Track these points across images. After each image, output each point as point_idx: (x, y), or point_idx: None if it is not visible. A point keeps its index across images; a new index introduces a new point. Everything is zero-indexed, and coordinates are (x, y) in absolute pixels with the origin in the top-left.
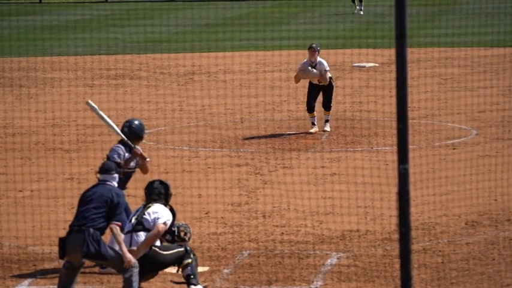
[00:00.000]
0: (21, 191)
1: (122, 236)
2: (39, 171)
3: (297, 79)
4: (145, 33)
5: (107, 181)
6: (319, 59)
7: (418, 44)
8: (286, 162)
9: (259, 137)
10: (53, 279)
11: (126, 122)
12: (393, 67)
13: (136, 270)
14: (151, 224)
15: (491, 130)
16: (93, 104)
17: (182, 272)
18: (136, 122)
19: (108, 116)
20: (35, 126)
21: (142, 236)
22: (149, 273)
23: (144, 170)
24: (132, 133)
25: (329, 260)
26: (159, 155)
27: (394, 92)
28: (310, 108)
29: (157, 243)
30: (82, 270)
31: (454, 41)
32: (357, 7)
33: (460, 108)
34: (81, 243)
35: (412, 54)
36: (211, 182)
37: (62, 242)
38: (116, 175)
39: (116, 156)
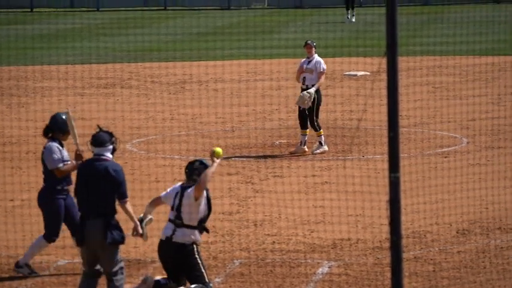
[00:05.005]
0: (12, 200)
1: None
2: (30, 180)
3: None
4: (136, 42)
5: (102, 155)
6: (316, 57)
7: (408, 53)
8: (277, 170)
9: (250, 146)
10: None
11: (54, 114)
12: (384, 76)
13: (124, 276)
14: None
15: (482, 138)
16: (70, 116)
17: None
18: (61, 116)
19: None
20: (26, 136)
21: (189, 231)
22: (175, 265)
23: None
24: (56, 126)
25: (320, 269)
26: (150, 164)
27: (385, 100)
28: (301, 124)
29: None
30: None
31: (444, 50)
32: (349, 16)
33: (451, 116)
34: (101, 230)
35: (403, 62)
36: None
37: (80, 229)
38: (111, 146)
39: (55, 158)
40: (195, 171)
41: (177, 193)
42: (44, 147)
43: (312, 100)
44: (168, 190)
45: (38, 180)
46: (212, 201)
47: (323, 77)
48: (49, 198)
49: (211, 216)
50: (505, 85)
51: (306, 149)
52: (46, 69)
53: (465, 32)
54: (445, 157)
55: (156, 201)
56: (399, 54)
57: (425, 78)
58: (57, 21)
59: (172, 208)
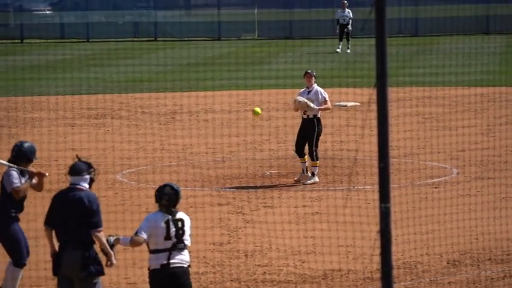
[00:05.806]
0: None
1: (104, 238)
2: None
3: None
4: (126, 73)
5: (77, 184)
6: (316, 87)
7: (397, 84)
8: (267, 201)
9: (240, 176)
10: None
11: (17, 142)
12: (374, 106)
13: None
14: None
15: (472, 169)
16: None
17: None
18: (26, 144)
19: (89, 156)
20: None
21: (183, 253)
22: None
23: (39, 188)
24: (21, 154)
25: None
26: (140, 195)
27: (375, 131)
28: (297, 152)
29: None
30: None
31: (433, 81)
32: (340, 46)
33: (440, 147)
34: (79, 262)
35: (392, 93)
36: (193, 221)
37: (57, 259)
38: (88, 176)
39: (13, 180)
40: (164, 196)
41: (167, 221)
42: (4, 173)
43: (313, 126)
44: (145, 225)
45: (27, 211)
46: (203, 231)
47: (329, 103)
48: (3, 224)
49: (202, 246)
50: (494, 116)
51: (309, 175)
52: (36, 100)
53: (454, 63)
54: (435, 187)
55: (138, 243)
56: (389, 85)
57: (415, 109)
58: (47, 52)
59: (167, 238)
